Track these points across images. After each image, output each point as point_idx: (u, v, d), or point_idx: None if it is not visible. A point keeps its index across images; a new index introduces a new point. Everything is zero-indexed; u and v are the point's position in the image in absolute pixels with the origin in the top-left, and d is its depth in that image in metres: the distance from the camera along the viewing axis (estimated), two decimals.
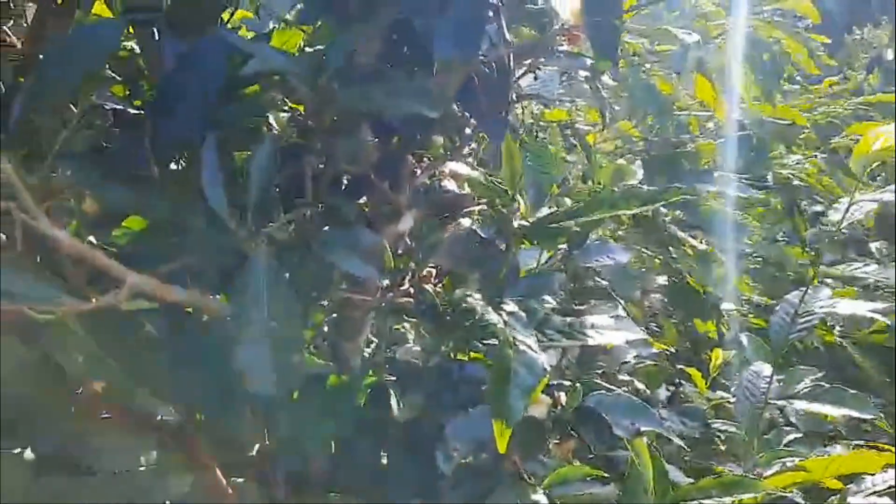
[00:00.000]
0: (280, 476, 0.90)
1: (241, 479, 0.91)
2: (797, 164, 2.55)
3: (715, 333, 2.52)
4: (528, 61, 1.12)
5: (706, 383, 1.90)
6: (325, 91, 0.69)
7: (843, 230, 1.30)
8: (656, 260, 2.62)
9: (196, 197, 0.63)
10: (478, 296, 0.87)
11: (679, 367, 1.94)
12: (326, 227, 0.73)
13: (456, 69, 0.81)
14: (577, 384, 0.98)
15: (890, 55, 5.29)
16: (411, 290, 1.11)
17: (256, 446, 0.94)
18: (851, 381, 2.43)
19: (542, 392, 0.98)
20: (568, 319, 1.03)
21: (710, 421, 1.63)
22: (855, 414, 1.39)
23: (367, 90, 0.70)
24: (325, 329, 1.14)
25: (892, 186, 1.27)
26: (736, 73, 2.56)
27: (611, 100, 2.56)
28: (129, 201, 0.70)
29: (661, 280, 2.67)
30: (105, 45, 0.66)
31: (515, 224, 1.04)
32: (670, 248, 2.56)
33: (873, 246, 3.21)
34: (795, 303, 1.42)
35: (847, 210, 1.32)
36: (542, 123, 2.44)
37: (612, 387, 1.01)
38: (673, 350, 2.65)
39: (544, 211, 1.19)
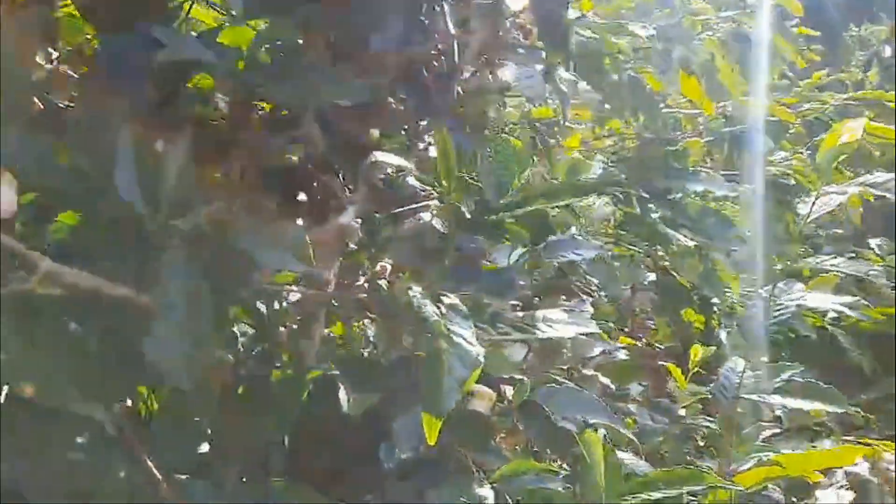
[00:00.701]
0: (226, 472, 0.90)
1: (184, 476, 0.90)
2: (784, 161, 2.55)
3: (703, 327, 2.51)
4: (485, 56, 1.12)
5: (687, 378, 1.89)
6: (245, 83, 0.69)
7: (813, 223, 1.29)
8: (647, 258, 2.62)
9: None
10: (418, 289, 0.87)
11: (660, 363, 1.94)
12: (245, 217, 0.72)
13: (391, 63, 0.81)
14: (524, 378, 0.98)
15: (888, 51, 5.26)
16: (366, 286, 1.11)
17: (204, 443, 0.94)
18: (846, 371, 2.43)
19: (489, 386, 0.98)
20: (520, 314, 1.03)
21: (684, 416, 1.63)
22: (826, 408, 1.38)
23: (282, 82, 0.70)
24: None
25: (860, 179, 1.26)
26: (722, 68, 2.56)
27: (599, 98, 2.56)
28: (59, 193, 0.70)
29: (652, 277, 2.67)
30: None
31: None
32: (658, 246, 2.55)
33: (873, 242, 3.21)
34: (766, 297, 1.42)
35: (814, 203, 1.31)
36: (526, 121, 2.43)
37: (564, 381, 1.01)
38: (661, 347, 2.65)
39: None
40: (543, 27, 0.98)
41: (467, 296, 1.00)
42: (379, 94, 0.84)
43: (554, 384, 1.02)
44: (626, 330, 2.60)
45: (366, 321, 1.29)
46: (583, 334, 1.01)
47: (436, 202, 1.08)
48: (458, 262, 1.09)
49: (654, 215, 2.49)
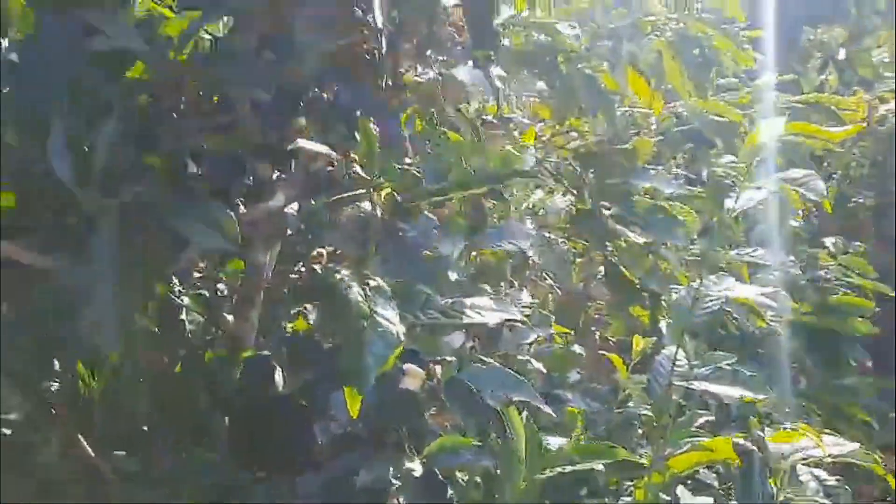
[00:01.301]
0: (161, 448, 0.94)
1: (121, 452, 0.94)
2: (730, 163, 2.63)
3: (648, 320, 2.58)
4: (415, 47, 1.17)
5: (629, 368, 1.95)
6: (173, 70, 0.73)
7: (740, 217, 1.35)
8: (598, 254, 2.68)
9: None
10: (346, 272, 0.91)
11: (602, 353, 2.00)
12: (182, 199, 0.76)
13: (315, 54, 0.86)
14: (451, 358, 1.03)
15: (842, 54, 5.39)
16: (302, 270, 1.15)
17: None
18: (784, 364, 2.52)
19: (418, 365, 1.03)
20: (449, 301, 1.08)
21: (618, 402, 1.69)
22: (749, 394, 1.45)
23: (210, 71, 0.75)
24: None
25: (774, 177, 1.33)
26: (668, 67, 2.62)
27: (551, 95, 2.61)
28: None
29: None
30: None
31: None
32: (607, 242, 2.62)
33: (828, 241, 3.32)
34: (694, 289, 1.48)
35: (737, 199, 1.38)
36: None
37: (488, 360, 1.06)
38: (613, 340, 2.72)
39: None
40: (473, 25, 1.03)
41: (401, 282, 1.05)
42: (306, 85, 0.88)
43: (480, 364, 1.07)
44: (581, 321, 2.67)
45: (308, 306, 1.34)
46: (508, 321, 1.06)
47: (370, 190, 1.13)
48: (396, 249, 1.14)
49: (605, 212, 2.57)
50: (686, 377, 1.57)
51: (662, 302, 2.49)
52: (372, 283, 0.91)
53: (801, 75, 4.83)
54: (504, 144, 2.52)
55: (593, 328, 2.77)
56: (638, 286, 2.50)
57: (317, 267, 1.12)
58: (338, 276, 0.90)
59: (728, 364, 1.62)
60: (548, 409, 1.03)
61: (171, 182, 0.76)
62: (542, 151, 2.66)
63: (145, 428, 0.97)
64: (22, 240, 0.69)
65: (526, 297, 1.43)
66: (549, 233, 2.56)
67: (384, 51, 0.96)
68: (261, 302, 1.10)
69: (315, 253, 1.14)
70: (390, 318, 0.86)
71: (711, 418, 1.83)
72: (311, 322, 1.26)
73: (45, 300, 0.73)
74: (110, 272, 0.67)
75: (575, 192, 2.61)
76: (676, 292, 1.54)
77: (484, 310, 1.07)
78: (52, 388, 0.89)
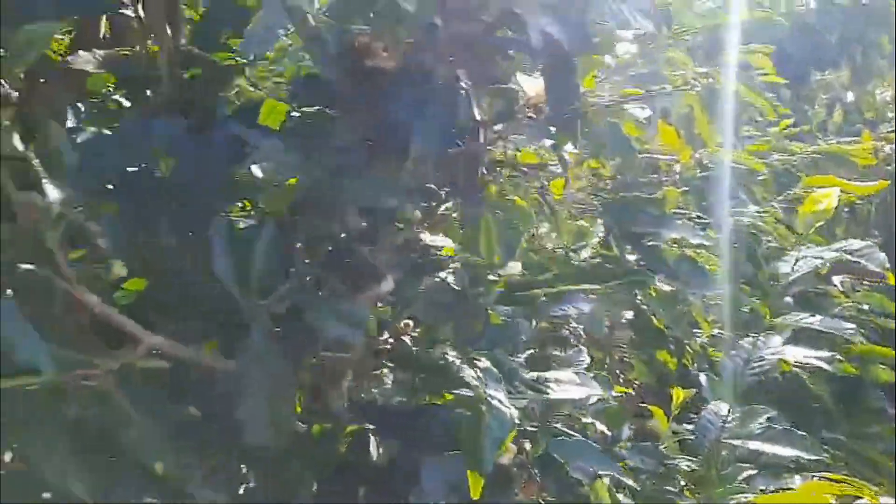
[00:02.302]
0: None
1: None
2: (757, 213, 2.69)
3: (675, 367, 2.63)
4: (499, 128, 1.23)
5: (669, 419, 1.99)
6: (315, 181, 0.78)
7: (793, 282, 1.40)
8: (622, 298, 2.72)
9: (202, 266, 0.72)
10: (454, 352, 0.96)
11: (643, 403, 2.04)
12: (317, 296, 0.81)
13: (430, 157, 0.91)
14: (538, 433, 1.07)
15: (849, 96, 5.48)
16: (390, 341, 1.19)
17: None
18: (808, 410, 2.55)
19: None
20: (534, 375, 1.12)
21: (668, 457, 1.73)
22: (804, 455, 1.48)
23: (350, 184, 0.80)
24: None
25: (836, 245, 1.38)
26: (698, 119, 2.68)
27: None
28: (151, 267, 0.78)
29: (629, 315, 2.78)
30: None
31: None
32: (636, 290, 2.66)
33: (836, 279, 3.36)
34: (749, 349, 1.52)
35: (794, 265, 1.43)
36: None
37: (573, 433, 1.10)
38: (638, 383, 2.76)
39: (516, 267, 1.29)
40: (556, 116, 1.08)
41: (488, 354, 1.09)
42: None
43: (564, 437, 1.11)
44: (607, 366, 2.71)
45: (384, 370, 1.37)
46: (589, 396, 1.10)
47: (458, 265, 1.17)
48: (466, 316, 1.18)
49: (630, 258, 2.61)
50: (738, 435, 1.61)
51: (688, 348, 2.55)
52: (480, 363, 0.95)
53: (808, 116, 4.92)
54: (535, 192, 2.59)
55: (617, 371, 2.82)
56: (665, 332, 2.54)
57: (405, 338, 1.16)
58: (441, 352, 0.94)
59: (767, 417, 1.66)
60: (630, 482, 1.07)
61: (310, 278, 0.80)
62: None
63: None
64: (170, 335, 0.73)
65: (585, 356, 1.47)
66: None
67: (484, 139, 1.01)
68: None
69: (402, 324, 1.18)
70: (503, 400, 0.90)
71: (753, 471, 1.87)
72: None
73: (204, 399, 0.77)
74: (262, 371, 0.71)
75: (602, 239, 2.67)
76: (719, 345, 1.58)
77: (567, 384, 1.11)
78: None
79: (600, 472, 1.06)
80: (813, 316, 1.52)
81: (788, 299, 1.95)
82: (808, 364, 1.51)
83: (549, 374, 1.12)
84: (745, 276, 2.87)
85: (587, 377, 1.13)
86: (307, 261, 0.84)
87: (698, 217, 3.08)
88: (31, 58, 0.70)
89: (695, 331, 2.52)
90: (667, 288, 2.52)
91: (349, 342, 0.86)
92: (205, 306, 0.74)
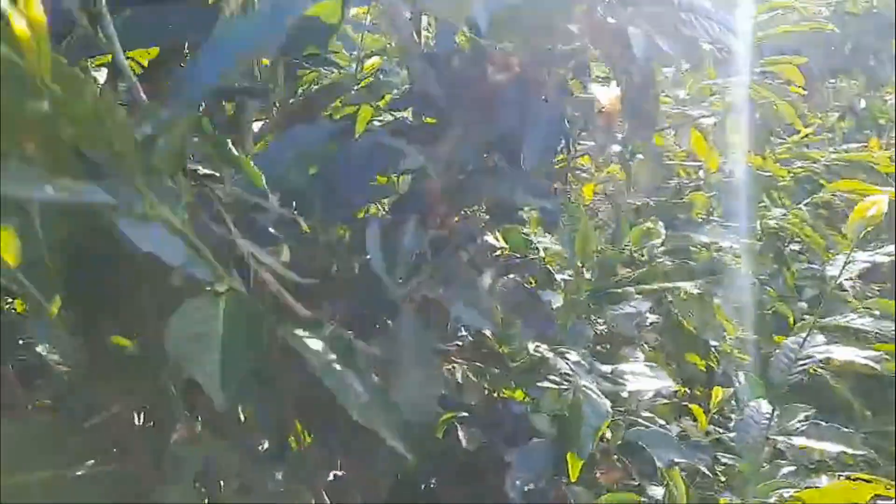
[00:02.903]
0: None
1: None
2: (783, 216, 2.76)
3: (704, 368, 2.69)
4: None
5: (708, 418, 2.05)
6: (454, 181, 0.85)
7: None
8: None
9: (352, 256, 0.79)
10: (545, 346, 1.02)
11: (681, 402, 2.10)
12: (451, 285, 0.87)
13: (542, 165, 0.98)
14: (619, 420, 1.13)
15: (861, 104, 5.55)
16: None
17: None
18: (833, 409, 2.62)
19: None
20: (609, 368, 1.18)
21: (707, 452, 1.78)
22: (849, 450, 1.55)
23: (490, 182, 0.87)
24: None
25: (887, 249, 1.44)
26: (730, 129, 2.76)
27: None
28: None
29: (653, 318, 2.84)
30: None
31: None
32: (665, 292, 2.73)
33: (846, 283, 3.42)
34: (795, 348, 1.59)
35: (843, 267, 1.49)
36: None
37: (647, 423, 1.16)
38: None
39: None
40: (634, 123, 1.15)
41: (563, 350, 1.16)
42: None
43: (640, 427, 1.18)
44: None
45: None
46: (660, 388, 1.17)
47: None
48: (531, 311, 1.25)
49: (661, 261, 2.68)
50: (780, 431, 1.68)
51: (714, 350, 2.61)
52: (570, 357, 1.02)
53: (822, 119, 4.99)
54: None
55: None
56: (695, 334, 2.61)
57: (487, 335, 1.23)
58: (543, 351, 1.01)
59: (805, 414, 1.73)
60: (705, 469, 1.14)
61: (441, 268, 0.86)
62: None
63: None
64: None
65: (640, 354, 1.53)
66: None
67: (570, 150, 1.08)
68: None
69: None
70: (596, 391, 0.97)
71: (793, 468, 1.94)
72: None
73: None
74: (413, 353, 0.78)
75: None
76: (774, 353, 1.64)
77: (640, 376, 1.18)
78: None
79: (676, 460, 1.12)
80: (862, 317, 1.58)
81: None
82: (853, 362, 1.57)
83: (623, 367, 1.19)
84: (770, 277, 2.95)
85: (658, 370, 1.20)
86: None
87: (724, 221, 3.16)
88: None
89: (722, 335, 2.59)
90: (695, 291, 2.60)
91: (479, 328, 0.92)
92: (351, 295, 0.81)
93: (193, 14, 0.93)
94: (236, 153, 0.73)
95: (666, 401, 1.69)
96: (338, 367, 0.68)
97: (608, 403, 0.97)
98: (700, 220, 2.83)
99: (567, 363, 1.00)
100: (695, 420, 2.13)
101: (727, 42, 1.00)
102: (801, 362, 1.60)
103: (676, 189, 3.11)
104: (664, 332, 2.77)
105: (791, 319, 2.95)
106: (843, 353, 1.53)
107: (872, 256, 1.45)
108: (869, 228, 1.44)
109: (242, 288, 0.67)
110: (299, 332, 0.69)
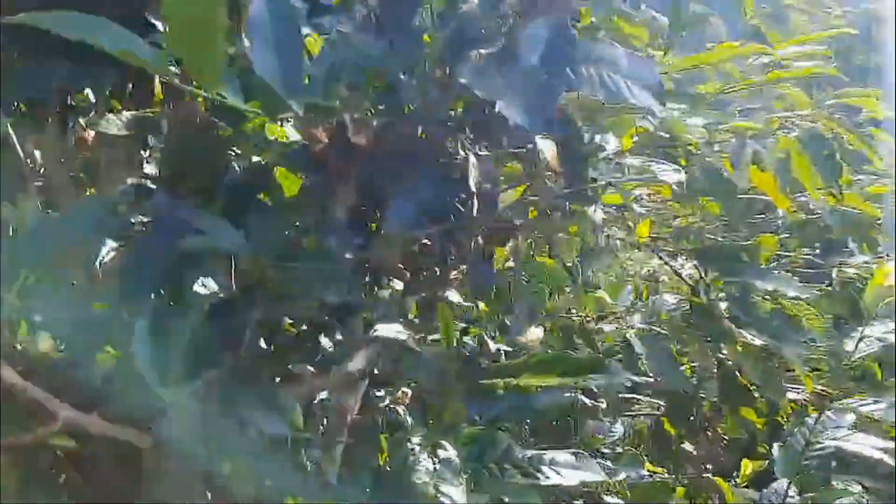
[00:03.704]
0: None
1: None
2: (864, 263, 2.48)
3: (763, 425, 2.49)
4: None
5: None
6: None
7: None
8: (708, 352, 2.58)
9: None
10: (416, 440, 0.90)
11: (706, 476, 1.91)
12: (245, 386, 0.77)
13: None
14: None
15: None
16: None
17: None
18: None
19: None
20: (529, 453, 1.04)
21: None
22: None
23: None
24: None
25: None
26: (797, 164, 2.51)
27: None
28: None
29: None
30: None
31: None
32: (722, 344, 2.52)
33: None
34: (806, 433, 1.39)
35: (858, 343, 1.29)
36: None
37: None
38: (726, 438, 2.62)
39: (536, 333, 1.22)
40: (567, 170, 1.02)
41: (484, 428, 1.03)
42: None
43: None
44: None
45: None
46: (587, 482, 1.02)
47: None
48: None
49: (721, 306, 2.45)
50: None
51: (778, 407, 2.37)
52: (442, 453, 0.89)
53: None
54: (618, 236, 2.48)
55: (706, 425, 2.68)
56: (751, 390, 2.39)
57: (399, 408, 1.12)
58: (409, 445, 0.88)
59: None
60: None
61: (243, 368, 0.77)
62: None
63: None
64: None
65: (619, 428, 1.37)
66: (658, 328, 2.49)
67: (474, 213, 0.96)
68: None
69: (400, 392, 1.14)
70: (455, 496, 0.84)
71: None
72: None
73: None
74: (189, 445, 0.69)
75: (691, 287, 2.53)
76: (790, 432, 1.45)
77: (564, 467, 1.03)
78: None
79: None
80: (876, 402, 1.37)
81: None
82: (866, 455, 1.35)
83: (545, 456, 1.04)
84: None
85: (587, 459, 1.04)
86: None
87: (797, 267, 2.88)
88: None
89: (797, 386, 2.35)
90: (757, 342, 2.36)
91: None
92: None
93: None
94: None
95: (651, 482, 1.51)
96: None
97: None
98: (765, 265, 2.61)
99: (435, 460, 0.87)
100: None
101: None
102: (815, 450, 1.40)
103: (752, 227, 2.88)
104: (720, 387, 2.55)
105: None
106: (857, 445, 1.32)
107: (886, 335, 1.24)
108: (885, 301, 1.24)
109: None
110: None
